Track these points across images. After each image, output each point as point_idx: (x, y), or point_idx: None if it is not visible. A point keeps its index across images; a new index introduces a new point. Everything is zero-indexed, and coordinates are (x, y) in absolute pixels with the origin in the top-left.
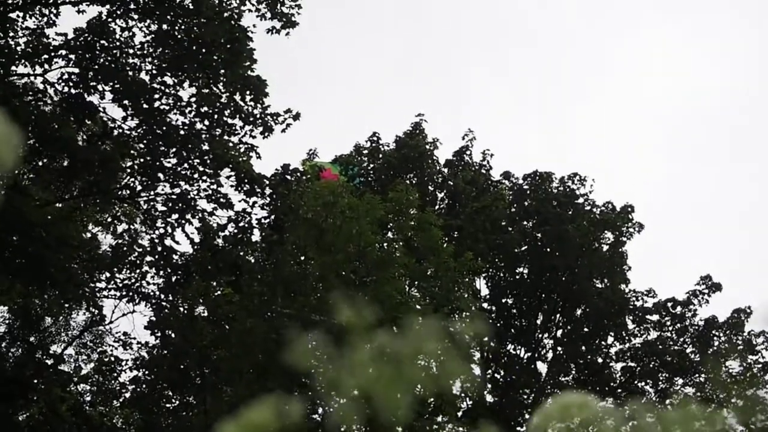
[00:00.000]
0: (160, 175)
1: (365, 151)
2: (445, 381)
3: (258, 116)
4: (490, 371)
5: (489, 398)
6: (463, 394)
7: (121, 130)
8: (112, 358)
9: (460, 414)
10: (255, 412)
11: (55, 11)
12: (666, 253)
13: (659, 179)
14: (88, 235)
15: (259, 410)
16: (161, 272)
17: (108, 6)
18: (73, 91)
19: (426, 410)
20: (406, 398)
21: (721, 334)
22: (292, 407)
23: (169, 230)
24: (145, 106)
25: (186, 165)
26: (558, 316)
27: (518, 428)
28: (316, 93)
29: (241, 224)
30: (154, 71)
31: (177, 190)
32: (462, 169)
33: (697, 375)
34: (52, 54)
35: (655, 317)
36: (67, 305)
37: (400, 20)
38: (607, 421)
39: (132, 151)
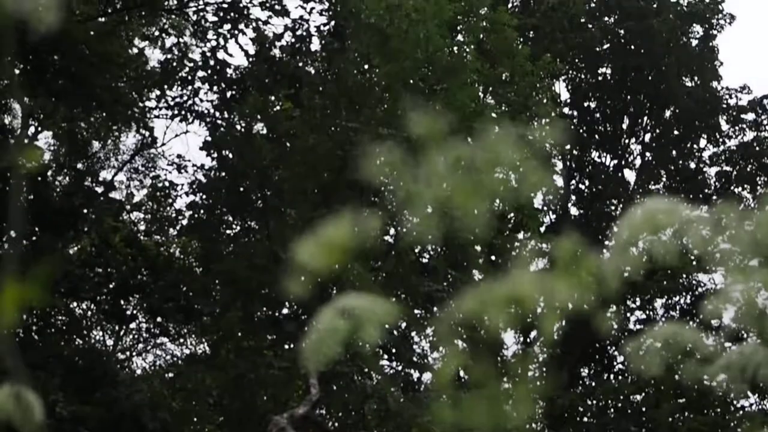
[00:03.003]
0: None
1: None
2: (525, 193)
3: None
4: (573, 182)
5: (573, 211)
6: (545, 208)
7: None
8: (166, 183)
9: (542, 229)
10: (332, 229)
11: None
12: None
13: None
14: (135, 50)
15: (335, 227)
16: (215, 88)
17: None
18: None
19: (506, 226)
20: (484, 213)
21: None
22: (370, 224)
23: (222, 42)
24: None
25: None
26: (645, 119)
27: (605, 242)
28: None
29: (299, 32)
30: None
31: None
32: None
33: None
34: None
35: (750, 116)
36: (115, 128)
37: None
38: (700, 229)
39: None
